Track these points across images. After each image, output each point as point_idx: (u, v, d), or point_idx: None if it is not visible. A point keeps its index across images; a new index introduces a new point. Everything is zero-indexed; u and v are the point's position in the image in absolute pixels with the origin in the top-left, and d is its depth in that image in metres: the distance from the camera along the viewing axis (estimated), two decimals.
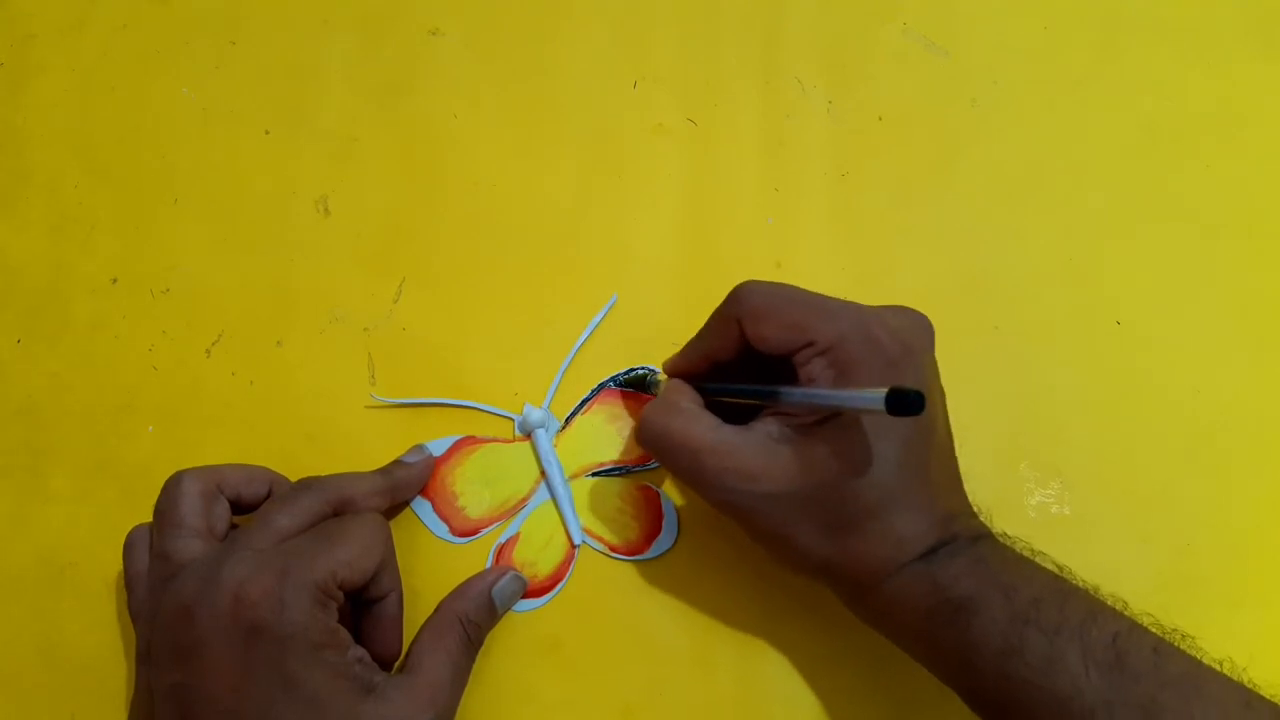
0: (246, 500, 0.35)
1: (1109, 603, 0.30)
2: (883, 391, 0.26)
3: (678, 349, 0.40)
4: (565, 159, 0.43)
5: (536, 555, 0.37)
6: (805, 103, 0.43)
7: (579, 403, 0.39)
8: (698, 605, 0.36)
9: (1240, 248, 0.41)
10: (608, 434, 0.39)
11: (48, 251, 0.42)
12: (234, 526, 0.34)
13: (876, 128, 0.43)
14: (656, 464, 0.38)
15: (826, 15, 0.45)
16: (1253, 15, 0.44)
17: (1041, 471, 0.38)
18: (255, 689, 0.28)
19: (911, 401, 0.25)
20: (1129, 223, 0.42)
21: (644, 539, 0.37)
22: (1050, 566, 0.31)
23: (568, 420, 0.39)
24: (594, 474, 0.38)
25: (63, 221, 0.43)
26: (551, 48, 0.44)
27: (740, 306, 0.32)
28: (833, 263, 0.41)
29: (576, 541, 0.37)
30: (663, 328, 0.40)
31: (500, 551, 0.37)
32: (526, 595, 0.36)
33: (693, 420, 0.32)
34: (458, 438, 0.38)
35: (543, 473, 0.38)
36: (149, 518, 0.34)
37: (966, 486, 0.38)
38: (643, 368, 0.39)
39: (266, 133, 0.44)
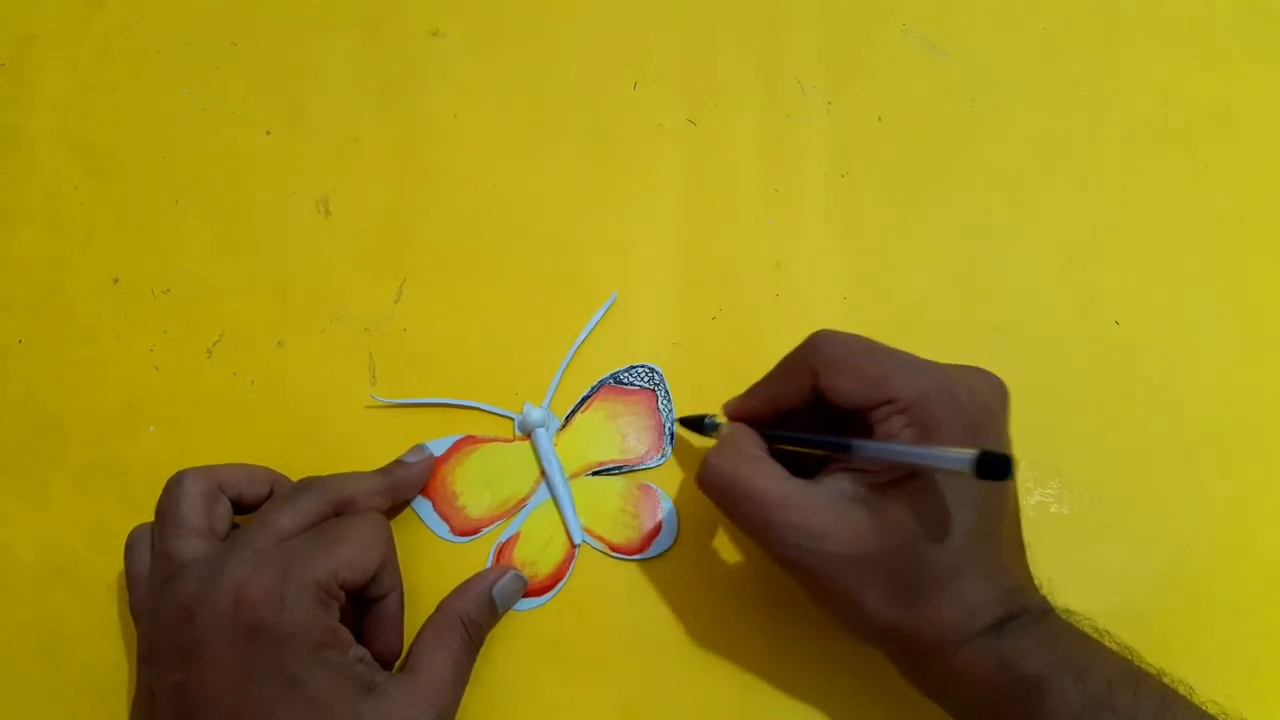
0: (248, 500, 0.35)
1: (1178, 689, 0.29)
2: (971, 452, 0.25)
3: (678, 349, 0.40)
4: (565, 159, 0.43)
5: (537, 554, 0.37)
6: (805, 103, 0.43)
7: (578, 401, 0.39)
8: (698, 605, 0.36)
9: (1240, 248, 0.41)
10: (608, 432, 0.39)
11: (48, 251, 0.42)
12: (235, 526, 0.34)
13: (876, 128, 0.43)
14: (657, 462, 0.38)
15: (826, 15, 0.45)
16: (1252, 15, 0.44)
17: (1041, 471, 0.38)
18: (256, 689, 0.28)
19: (1000, 465, 0.24)
20: (1129, 223, 0.42)
21: (644, 538, 0.37)
22: (1115, 646, 0.30)
23: (568, 419, 0.39)
24: (594, 473, 0.38)
25: (63, 221, 0.43)
26: (551, 48, 0.44)
27: (817, 356, 0.31)
28: (833, 263, 0.41)
29: (577, 541, 0.37)
30: (663, 328, 0.40)
31: (501, 551, 0.37)
32: (527, 594, 0.36)
33: (761, 469, 0.31)
34: (458, 437, 0.39)
35: (543, 472, 0.38)
36: (149, 518, 0.34)
37: None
38: (704, 417, 0.36)
39: (267, 133, 0.44)
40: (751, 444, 0.32)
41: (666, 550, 0.37)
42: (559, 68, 0.44)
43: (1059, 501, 0.38)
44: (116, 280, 0.42)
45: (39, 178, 0.43)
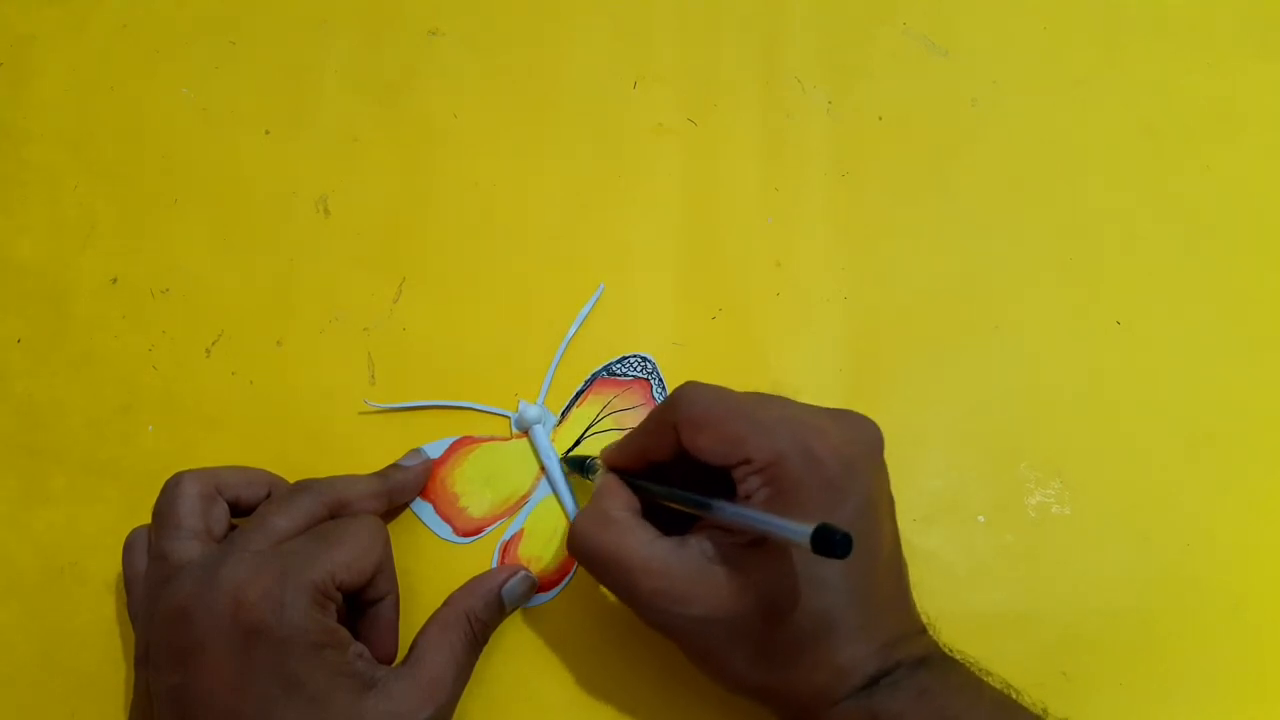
0: (246, 502, 0.35)
1: None
2: (809, 528, 0.24)
3: (678, 349, 0.40)
4: (565, 159, 0.43)
5: (542, 550, 0.37)
6: (805, 103, 0.43)
7: (573, 396, 0.39)
8: None
9: (1240, 248, 0.41)
10: (604, 424, 0.39)
11: (48, 251, 0.42)
12: (232, 528, 0.34)
13: (876, 128, 0.43)
14: None
15: (826, 15, 0.45)
16: (1253, 15, 0.44)
17: (1041, 471, 0.38)
18: (255, 690, 0.28)
19: (837, 543, 0.24)
20: (1129, 223, 0.42)
21: None
22: (997, 684, 0.30)
23: (564, 414, 0.39)
24: None
25: (63, 221, 0.43)
26: (551, 48, 0.44)
27: (678, 413, 0.31)
28: (833, 263, 0.41)
29: None
30: (663, 328, 0.40)
31: (505, 549, 0.37)
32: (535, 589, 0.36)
33: (625, 534, 0.30)
34: (455, 438, 0.38)
35: (543, 468, 0.38)
36: (148, 518, 0.34)
37: (967, 487, 0.38)
38: (587, 459, 0.36)
39: (266, 133, 0.44)
40: (618, 504, 0.32)
41: None
42: (559, 68, 0.44)
43: (1059, 502, 0.38)
44: (115, 280, 0.42)
45: (38, 178, 0.43)
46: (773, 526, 0.26)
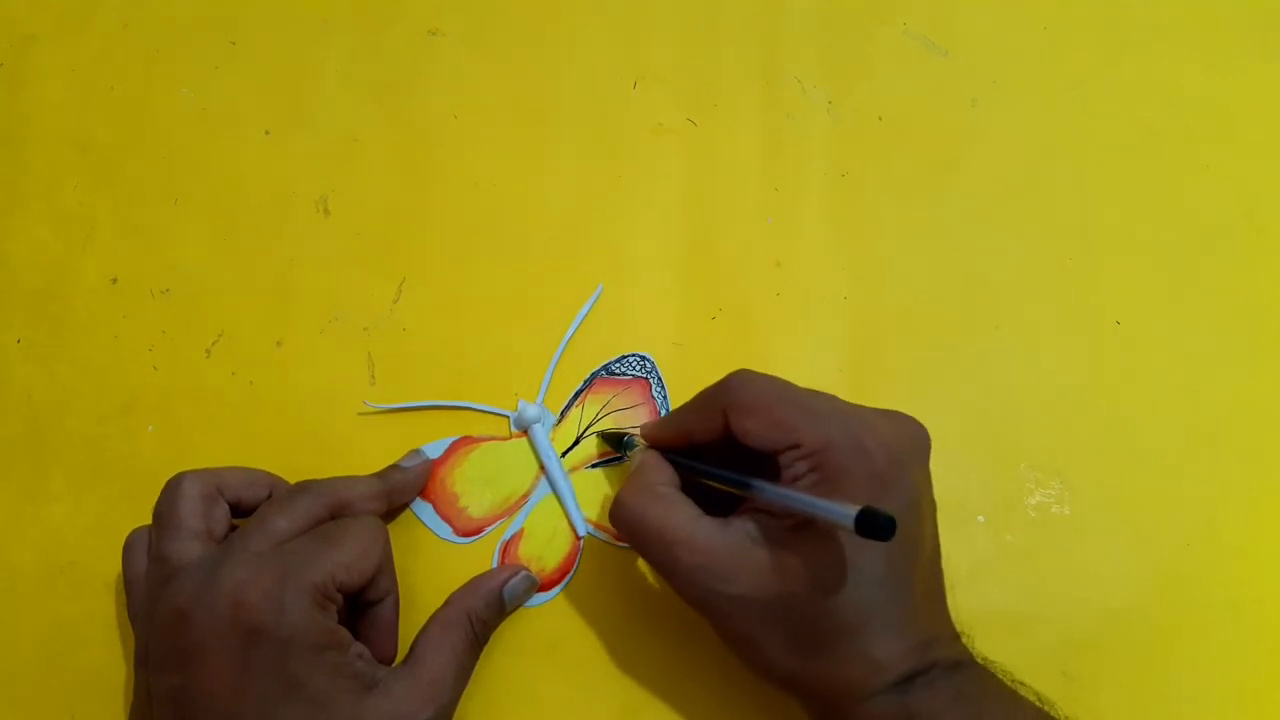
0: (246, 503, 0.35)
1: None
2: (854, 509, 0.24)
3: (678, 349, 0.40)
4: (565, 159, 0.43)
5: (542, 550, 0.37)
6: (805, 103, 0.43)
7: (572, 395, 0.39)
8: None
9: (1240, 248, 0.41)
10: (604, 423, 0.39)
11: (48, 251, 0.42)
12: (233, 529, 0.34)
13: (876, 128, 0.43)
14: None
15: (826, 15, 0.45)
16: (1253, 15, 0.44)
17: (1041, 471, 0.38)
18: (256, 691, 0.28)
19: (882, 525, 0.24)
20: (1129, 223, 0.42)
21: None
22: (1031, 697, 0.30)
23: (563, 413, 0.39)
24: (594, 465, 0.38)
25: (63, 221, 0.43)
26: (551, 48, 0.44)
27: (729, 397, 0.31)
28: (832, 263, 0.41)
29: (581, 533, 0.37)
30: (663, 328, 0.40)
31: (505, 549, 0.37)
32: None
33: (670, 508, 0.31)
34: (455, 438, 0.38)
35: (542, 467, 0.38)
36: (149, 518, 0.34)
37: (967, 487, 0.38)
38: (624, 435, 0.37)
39: (266, 133, 0.44)
40: (662, 478, 0.32)
41: None
42: (559, 68, 0.44)
43: (1059, 502, 0.38)
44: (115, 280, 0.42)
45: (39, 178, 0.43)
46: (817, 508, 0.27)
